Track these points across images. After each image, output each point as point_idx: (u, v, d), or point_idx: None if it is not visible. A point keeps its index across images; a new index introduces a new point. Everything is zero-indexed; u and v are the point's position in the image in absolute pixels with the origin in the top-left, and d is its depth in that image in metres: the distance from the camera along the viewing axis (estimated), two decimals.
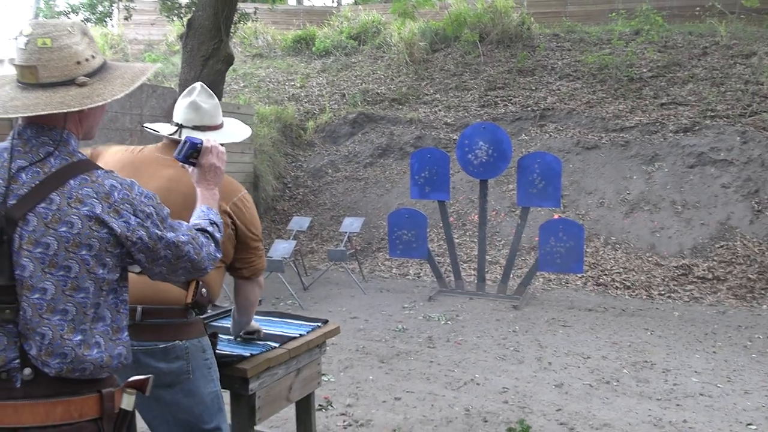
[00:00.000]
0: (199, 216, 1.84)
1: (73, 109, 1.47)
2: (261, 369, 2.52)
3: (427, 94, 12.93)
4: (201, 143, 1.98)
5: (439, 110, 12.34)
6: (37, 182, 1.45)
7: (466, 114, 12.00)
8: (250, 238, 2.31)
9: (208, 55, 9.30)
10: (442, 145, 11.20)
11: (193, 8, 10.42)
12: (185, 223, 1.70)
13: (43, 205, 1.43)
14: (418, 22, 15.16)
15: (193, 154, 1.97)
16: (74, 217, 1.44)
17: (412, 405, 4.44)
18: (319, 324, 3.05)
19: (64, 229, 1.44)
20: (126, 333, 1.61)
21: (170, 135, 2.28)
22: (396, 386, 4.79)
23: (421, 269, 9.14)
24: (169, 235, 1.60)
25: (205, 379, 2.17)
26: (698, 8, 14.11)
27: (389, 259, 9.38)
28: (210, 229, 1.78)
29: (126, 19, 11.95)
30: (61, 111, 1.45)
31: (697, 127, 10.17)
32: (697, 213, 8.96)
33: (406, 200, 10.31)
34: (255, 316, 3.17)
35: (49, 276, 1.44)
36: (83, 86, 1.51)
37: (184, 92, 2.36)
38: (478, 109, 12.08)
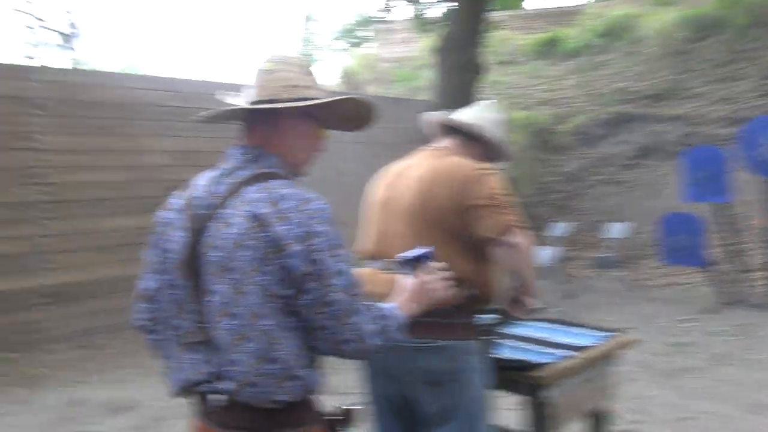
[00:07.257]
0: (386, 306, 1.63)
1: (246, 107, 1.58)
2: (559, 377, 2.47)
3: (691, 88, 11.87)
4: (431, 251, 1.81)
5: (707, 104, 11.25)
6: (226, 193, 1.52)
7: (740, 107, 10.79)
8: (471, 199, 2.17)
9: (461, 66, 9.52)
10: (713, 143, 10.20)
11: (446, 22, 10.77)
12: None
13: (221, 210, 1.49)
14: (676, 9, 14.03)
15: (420, 259, 1.77)
16: (239, 218, 1.45)
17: (706, 428, 4.04)
18: (613, 334, 2.91)
19: (232, 231, 1.45)
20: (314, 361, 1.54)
21: (457, 124, 2.52)
22: (683, 405, 4.45)
23: (694, 278, 8.37)
24: (329, 261, 1.44)
25: (468, 382, 2.19)
26: None
27: (658, 266, 8.74)
28: (383, 322, 1.55)
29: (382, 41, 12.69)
30: (239, 106, 1.59)
31: None
32: None
33: (672, 204, 9.53)
34: (539, 324, 3.08)
35: (221, 280, 1.46)
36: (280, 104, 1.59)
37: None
38: (756, 99, 10.78)
